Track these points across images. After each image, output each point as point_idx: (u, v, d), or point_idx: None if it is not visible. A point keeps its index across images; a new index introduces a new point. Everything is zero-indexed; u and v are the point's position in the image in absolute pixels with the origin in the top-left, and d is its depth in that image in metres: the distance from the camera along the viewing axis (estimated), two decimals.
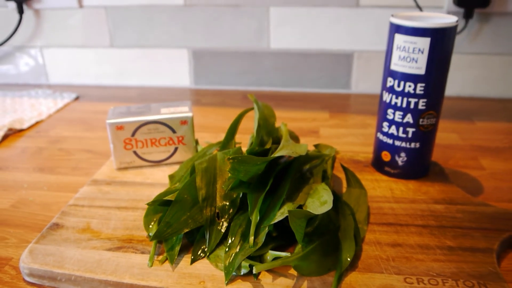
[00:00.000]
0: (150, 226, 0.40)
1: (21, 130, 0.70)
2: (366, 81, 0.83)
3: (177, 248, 0.37)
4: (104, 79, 0.91)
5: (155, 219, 0.41)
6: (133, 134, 0.51)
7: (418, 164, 0.49)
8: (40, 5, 0.86)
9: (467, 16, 0.74)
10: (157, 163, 0.53)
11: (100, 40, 0.88)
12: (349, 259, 0.36)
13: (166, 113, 0.51)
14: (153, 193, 0.47)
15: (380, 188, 0.48)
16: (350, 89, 0.84)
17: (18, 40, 0.90)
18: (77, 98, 0.85)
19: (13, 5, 0.85)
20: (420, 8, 0.75)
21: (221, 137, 0.64)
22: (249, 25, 0.82)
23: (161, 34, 0.85)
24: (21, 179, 0.55)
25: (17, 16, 0.87)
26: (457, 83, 0.81)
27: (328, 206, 0.34)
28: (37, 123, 0.73)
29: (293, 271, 0.36)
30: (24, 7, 0.86)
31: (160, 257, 0.37)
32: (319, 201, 0.36)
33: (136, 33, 0.86)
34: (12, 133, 0.69)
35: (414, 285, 0.34)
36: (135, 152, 0.52)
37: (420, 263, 0.36)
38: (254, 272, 0.32)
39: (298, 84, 0.86)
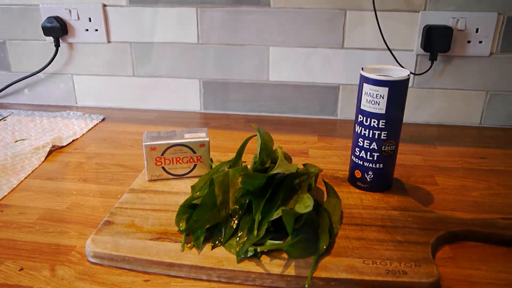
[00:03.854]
0: (181, 224, 0.54)
1: (61, 147, 0.84)
2: (349, 110, 0.99)
3: (202, 238, 0.52)
4: (126, 103, 1.06)
5: (183, 219, 0.55)
6: (162, 154, 0.65)
7: (382, 180, 0.64)
8: (74, 40, 1.01)
9: (432, 58, 0.89)
10: (180, 176, 0.67)
11: (124, 70, 1.03)
12: (324, 247, 0.50)
13: (189, 138, 0.65)
14: (178, 199, 0.62)
15: (352, 198, 0.62)
16: (336, 116, 1.00)
17: (53, 68, 1.05)
18: (103, 119, 0.99)
19: (51, 39, 1.01)
20: (390, 51, 0.90)
21: (228, 155, 0.78)
22: (252, 61, 0.97)
23: (177, 66, 1.00)
24: (70, 187, 0.69)
25: (53, 48, 1.02)
26: (425, 113, 0.96)
27: (310, 208, 0.49)
28: (73, 141, 0.87)
29: (284, 255, 0.50)
30: (60, 41, 1.01)
31: (189, 245, 0.52)
32: (304, 206, 0.50)
33: (156, 65, 1.01)
34: (55, 150, 0.83)
35: (370, 265, 0.48)
36: (163, 168, 0.66)
37: (375, 251, 0.51)
38: (258, 251, 0.46)
39: (292, 111, 1.01)
